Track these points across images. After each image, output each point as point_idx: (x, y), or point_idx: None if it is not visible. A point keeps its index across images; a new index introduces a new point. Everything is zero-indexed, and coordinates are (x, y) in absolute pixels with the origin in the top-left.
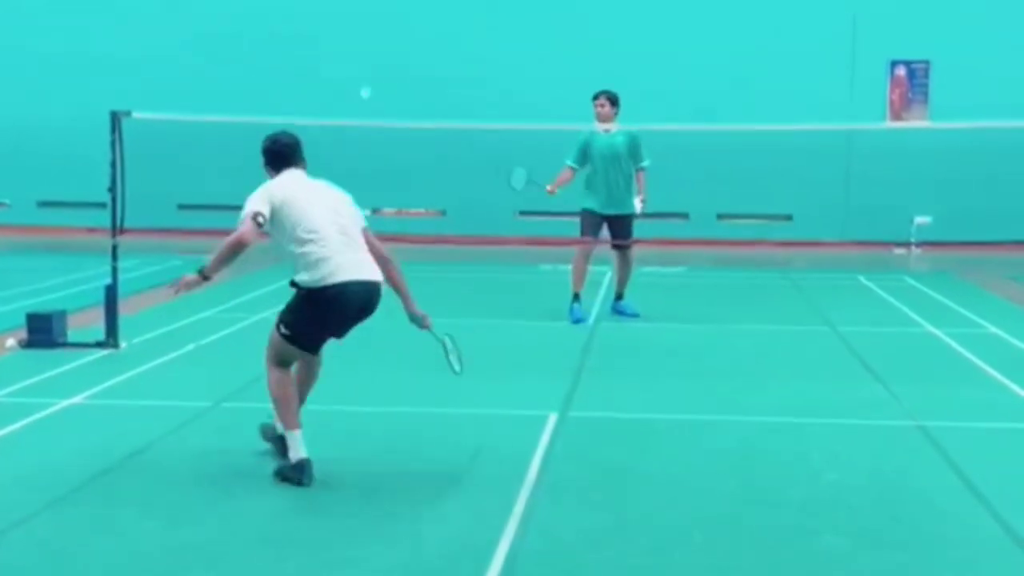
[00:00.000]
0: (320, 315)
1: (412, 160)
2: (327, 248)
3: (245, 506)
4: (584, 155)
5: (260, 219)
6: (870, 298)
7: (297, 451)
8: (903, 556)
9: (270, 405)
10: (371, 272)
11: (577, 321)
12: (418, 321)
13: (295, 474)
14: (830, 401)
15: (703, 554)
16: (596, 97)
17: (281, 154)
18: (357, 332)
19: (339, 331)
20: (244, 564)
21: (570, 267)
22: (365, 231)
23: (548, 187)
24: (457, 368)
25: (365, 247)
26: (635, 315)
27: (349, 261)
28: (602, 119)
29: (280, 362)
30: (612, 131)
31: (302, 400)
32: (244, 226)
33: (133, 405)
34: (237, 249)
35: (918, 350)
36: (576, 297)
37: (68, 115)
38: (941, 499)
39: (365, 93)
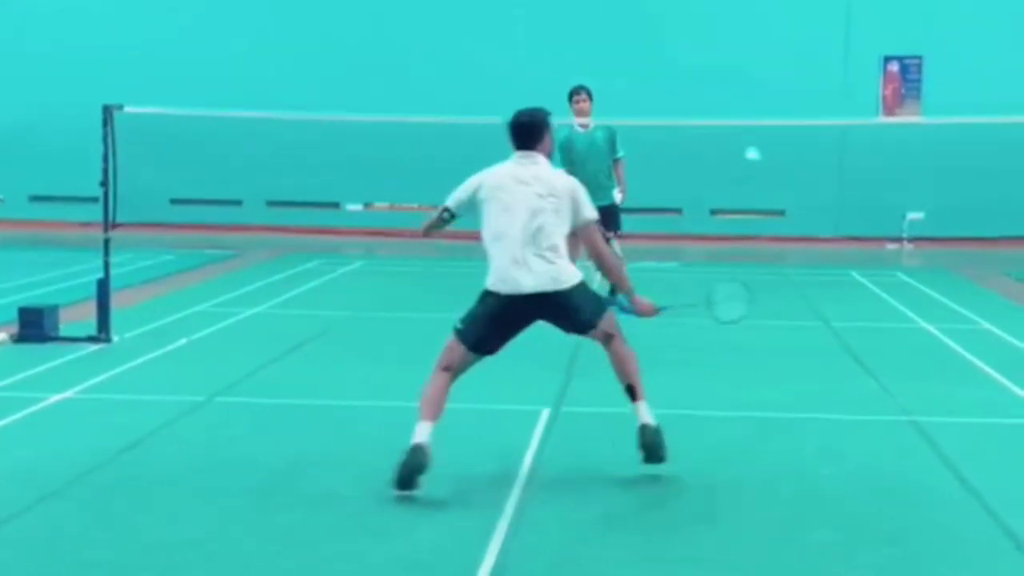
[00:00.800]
0: (482, 317)
1: (405, 154)
2: (500, 251)
3: (240, 502)
4: (567, 156)
5: (445, 215)
6: (863, 294)
7: (415, 435)
8: (897, 551)
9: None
10: (531, 283)
11: None
12: (643, 312)
13: (402, 456)
14: (824, 396)
15: (697, 548)
16: (577, 92)
17: (512, 133)
18: (348, 326)
19: (495, 337)
20: (241, 560)
21: (585, 261)
22: (585, 228)
23: None
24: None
25: (543, 250)
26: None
27: (513, 271)
28: (583, 114)
29: (443, 364)
30: (590, 128)
31: (629, 384)
32: (431, 217)
33: (125, 400)
34: (425, 229)
35: (911, 346)
36: None
37: (61, 110)
38: (934, 494)
39: (752, 154)
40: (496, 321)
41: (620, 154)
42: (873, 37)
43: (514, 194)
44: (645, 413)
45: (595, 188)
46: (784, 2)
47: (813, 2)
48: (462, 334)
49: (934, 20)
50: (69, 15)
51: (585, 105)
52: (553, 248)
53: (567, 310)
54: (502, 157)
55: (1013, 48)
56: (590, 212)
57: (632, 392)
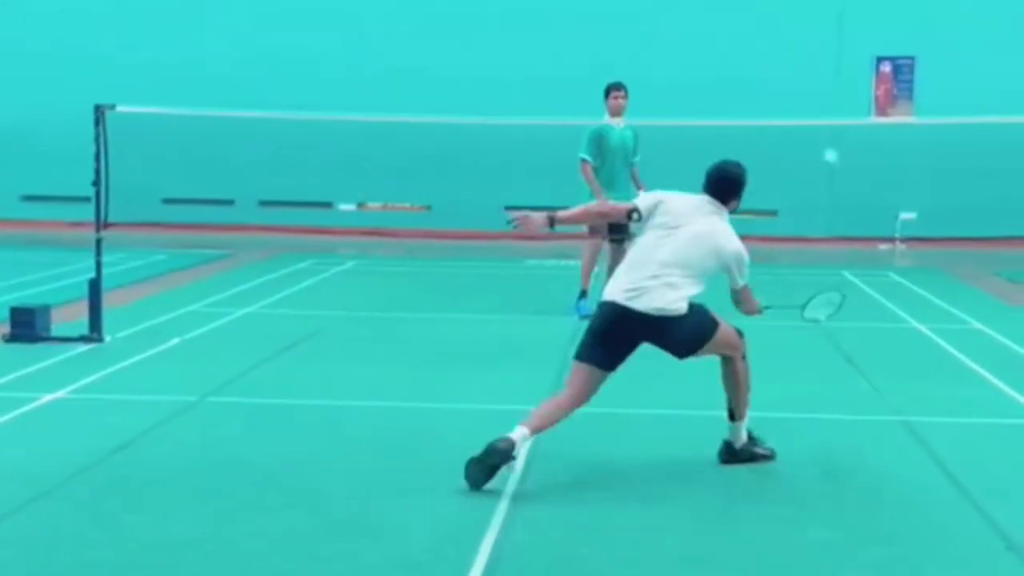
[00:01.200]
0: (589, 327)
1: (398, 155)
2: (628, 264)
3: (233, 502)
4: (598, 149)
5: (634, 215)
6: (855, 294)
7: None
8: (891, 550)
9: None
10: (632, 299)
11: (584, 317)
12: (749, 311)
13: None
14: (816, 396)
15: (690, 547)
16: (617, 88)
17: (710, 178)
18: (342, 326)
19: (602, 348)
20: (237, 560)
21: (578, 262)
22: (739, 292)
23: (599, 198)
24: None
25: (661, 281)
26: None
27: (620, 284)
28: (619, 111)
29: (566, 382)
30: (622, 125)
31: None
32: (616, 204)
33: (118, 400)
34: (600, 215)
35: (903, 346)
36: (584, 294)
37: (53, 109)
38: (928, 494)
39: (831, 156)
40: (599, 332)
41: (638, 158)
42: (866, 37)
43: (677, 226)
44: (733, 433)
45: (620, 190)
46: (777, 2)
47: (806, 2)
48: (577, 347)
49: (927, 21)
50: (66, 15)
51: (623, 102)
52: (672, 284)
53: (664, 337)
54: (496, 157)
55: (1005, 49)
56: (742, 282)
57: (730, 412)
